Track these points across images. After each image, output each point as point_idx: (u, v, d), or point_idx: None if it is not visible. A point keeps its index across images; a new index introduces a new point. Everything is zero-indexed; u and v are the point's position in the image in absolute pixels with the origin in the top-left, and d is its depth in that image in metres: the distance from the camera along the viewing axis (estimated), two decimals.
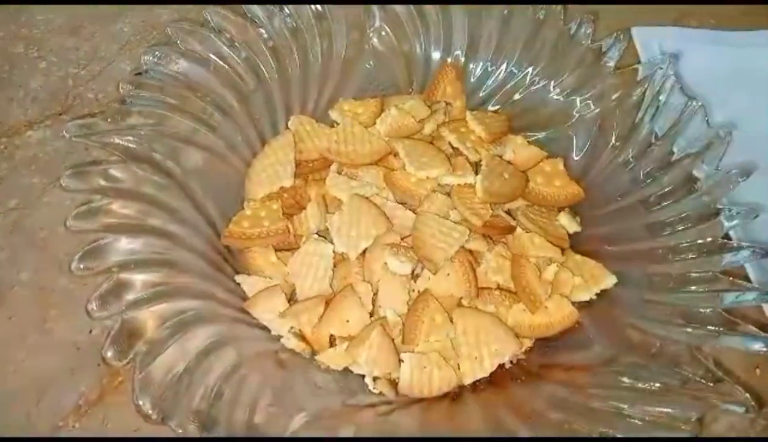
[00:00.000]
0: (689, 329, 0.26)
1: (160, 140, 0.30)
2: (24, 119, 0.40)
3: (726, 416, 0.30)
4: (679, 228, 0.30)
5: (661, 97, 0.32)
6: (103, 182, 0.27)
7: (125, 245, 0.26)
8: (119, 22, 0.45)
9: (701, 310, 0.27)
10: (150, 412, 0.22)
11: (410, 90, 0.38)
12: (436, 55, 0.38)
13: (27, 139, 0.39)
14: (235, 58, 0.34)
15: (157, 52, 0.31)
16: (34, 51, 0.43)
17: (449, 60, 0.37)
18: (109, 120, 0.29)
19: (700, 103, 0.31)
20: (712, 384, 0.24)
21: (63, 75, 0.42)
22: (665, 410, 0.24)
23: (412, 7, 0.37)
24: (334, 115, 0.35)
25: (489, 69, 0.37)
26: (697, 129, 0.31)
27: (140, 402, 0.22)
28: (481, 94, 0.38)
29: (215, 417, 0.23)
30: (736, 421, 0.30)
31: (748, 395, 0.24)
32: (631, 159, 0.33)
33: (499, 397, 0.28)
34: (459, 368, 0.29)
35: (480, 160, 0.34)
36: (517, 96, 0.37)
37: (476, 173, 0.33)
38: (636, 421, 0.24)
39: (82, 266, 0.25)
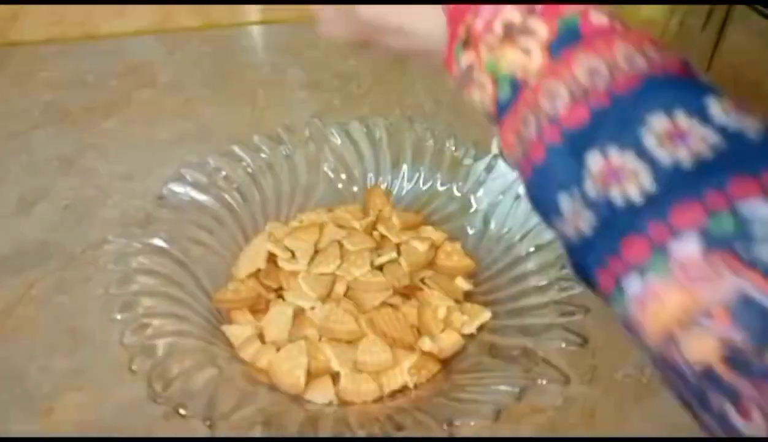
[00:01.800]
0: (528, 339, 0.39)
1: (176, 241, 0.45)
2: None
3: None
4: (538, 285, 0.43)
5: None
6: (135, 265, 0.42)
7: (148, 303, 0.40)
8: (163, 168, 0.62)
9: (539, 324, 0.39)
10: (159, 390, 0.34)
11: (354, 202, 0.53)
12: (371, 176, 0.53)
13: None
14: (228, 186, 0.49)
15: (171, 184, 0.47)
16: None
17: (380, 178, 0.53)
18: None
19: None
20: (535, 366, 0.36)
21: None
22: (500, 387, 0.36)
23: (352, 148, 0.53)
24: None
25: (408, 181, 0.53)
26: None
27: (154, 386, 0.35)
28: (404, 199, 0.53)
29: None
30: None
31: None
32: (509, 238, 0.47)
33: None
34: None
35: (401, 243, 0.48)
36: (430, 198, 0.52)
37: (398, 253, 0.47)
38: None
39: (119, 316, 0.39)
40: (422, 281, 0.47)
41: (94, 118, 0.67)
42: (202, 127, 0.65)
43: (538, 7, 0.24)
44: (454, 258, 0.48)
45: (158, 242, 0.44)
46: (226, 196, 0.49)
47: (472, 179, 0.51)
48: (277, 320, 0.43)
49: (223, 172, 0.50)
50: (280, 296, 0.45)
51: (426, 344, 0.41)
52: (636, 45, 0.23)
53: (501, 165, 0.50)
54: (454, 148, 0.52)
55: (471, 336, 0.43)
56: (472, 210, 0.50)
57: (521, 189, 0.47)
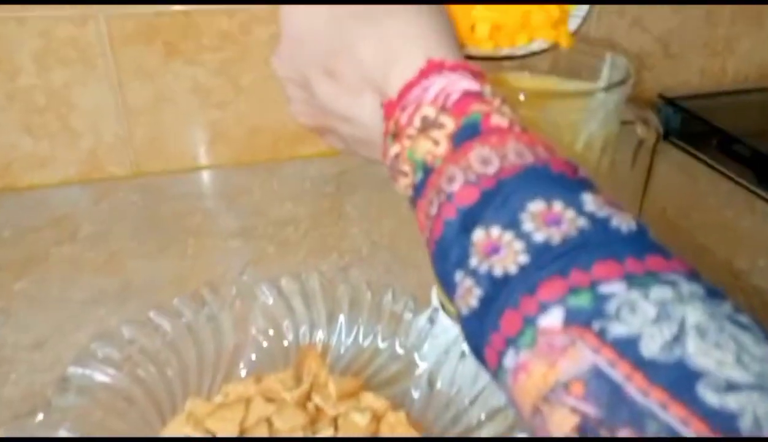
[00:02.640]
0: None
1: (81, 430, 0.39)
2: None
3: None
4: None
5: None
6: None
7: None
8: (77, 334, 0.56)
9: None
10: None
11: (286, 363, 0.48)
12: (304, 331, 0.49)
13: None
14: (144, 358, 0.44)
15: (77, 364, 0.42)
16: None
17: (315, 334, 0.48)
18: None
19: None
20: None
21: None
22: None
23: (283, 304, 0.49)
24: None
25: (346, 336, 0.48)
26: None
27: None
28: (343, 358, 0.48)
29: None
30: None
31: None
32: (458, 401, 0.43)
33: None
34: None
35: (338, 416, 0.43)
36: (371, 357, 0.48)
37: (336, 428, 0.42)
38: None
39: None
40: None
41: (5, 278, 0.61)
42: (124, 284, 0.60)
43: (450, 105, 0.28)
44: (399, 430, 0.43)
45: (62, 432, 0.38)
46: (141, 371, 0.44)
47: (414, 334, 0.47)
48: None
49: (139, 344, 0.45)
50: None
51: None
52: (527, 143, 0.26)
53: (442, 318, 0.46)
54: (392, 301, 0.48)
55: None
56: (418, 372, 0.46)
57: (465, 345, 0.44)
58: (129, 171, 0.77)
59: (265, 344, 0.49)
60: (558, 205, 0.24)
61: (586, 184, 0.25)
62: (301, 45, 0.34)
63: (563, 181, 0.25)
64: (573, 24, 0.40)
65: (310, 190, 0.76)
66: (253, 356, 0.48)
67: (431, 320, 0.47)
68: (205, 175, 0.79)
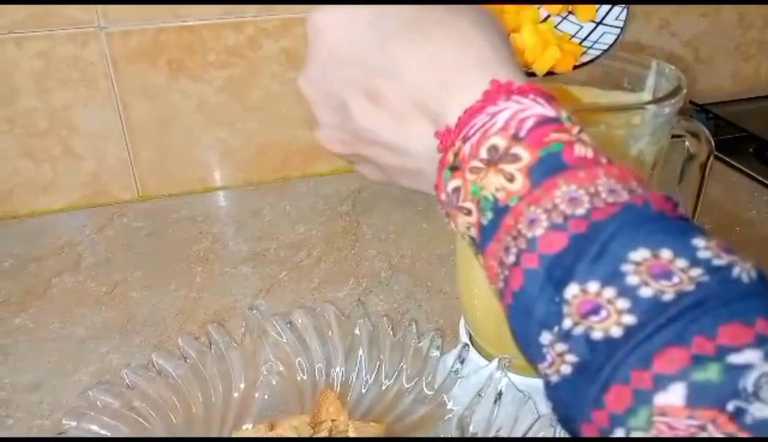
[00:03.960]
0: None
1: None
2: None
3: None
4: None
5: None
6: None
7: None
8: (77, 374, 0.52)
9: None
10: None
11: (302, 411, 0.44)
12: (320, 376, 0.44)
13: None
14: (145, 406, 0.40)
15: (73, 416, 0.38)
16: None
17: (333, 375, 0.44)
18: None
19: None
20: None
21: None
22: None
23: (296, 340, 0.45)
24: None
25: (367, 373, 0.44)
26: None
27: None
28: (364, 400, 0.44)
29: None
30: None
31: None
32: None
33: None
34: None
35: None
36: (395, 399, 0.43)
37: None
38: None
39: None
40: None
41: (5, 313, 0.58)
42: (128, 317, 0.57)
43: (524, 134, 0.24)
44: None
45: None
46: (143, 420, 0.40)
47: (442, 373, 0.43)
48: None
49: (140, 389, 0.41)
50: None
51: None
52: (618, 177, 0.23)
53: (473, 356, 0.42)
54: (416, 336, 0.44)
55: None
56: (447, 415, 0.41)
57: (503, 383, 0.40)
58: (134, 195, 0.74)
59: (277, 383, 0.44)
60: (666, 253, 0.21)
61: (692, 225, 0.22)
62: (336, 63, 0.29)
63: (666, 222, 0.22)
64: (610, 35, 0.36)
65: (324, 210, 0.72)
66: (266, 396, 0.44)
67: (461, 358, 0.42)
68: (213, 198, 0.76)
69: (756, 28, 0.87)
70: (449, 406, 0.42)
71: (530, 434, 0.38)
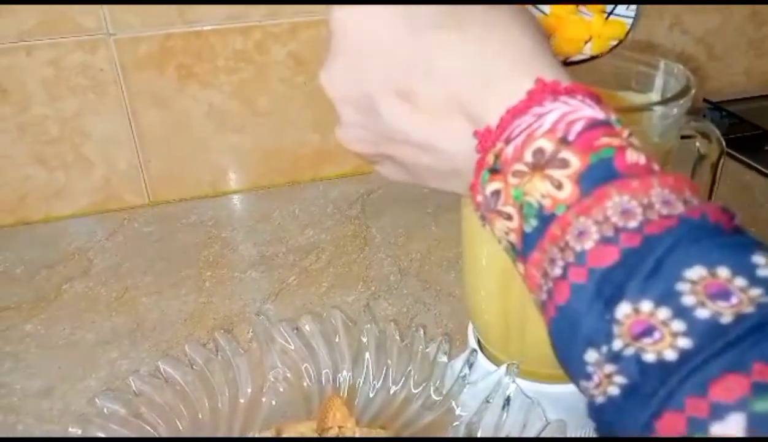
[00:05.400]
0: None
1: None
2: None
3: None
4: None
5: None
6: None
7: None
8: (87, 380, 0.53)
9: None
10: None
11: (309, 417, 0.44)
12: (327, 382, 0.44)
13: None
14: (152, 413, 0.40)
15: (79, 424, 0.38)
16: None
17: (340, 380, 0.44)
18: None
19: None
20: None
21: None
22: None
23: (302, 345, 0.44)
24: None
25: (374, 379, 0.44)
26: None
27: None
28: (372, 404, 0.44)
29: None
30: None
31: None
32: None
33: None
34: None
35: None
36: (403, 404, 0.43)
37: None
38: None
39: None
40: None
41: (16, 319, 0.59)
42: (137, 323, 0.57)
43: (573, 138, 0.22)
44: None
45: None
46: (150, 428, 0.40)
47: (450, 379, 0.42)
48: None
49: (147, 396, 0.41)
50: None
51: None
52: (673, 187, 0.22)
53: (482, 361, 0.41)
54: (424, 341, 0.44)
55: None
56: (456, 422, 0.41)
57: (511, 389, 0.39)
58: (144, 200, 0.74)
59: (284, 389, 0.44)
60: (724, 272, 0.19)
61: (751, 240, 0.21)
62: (362, 59, 0.27)
63: (724, 237, 0.21)
64: (619, 29, 0.35)
65: (333, 214, 0.72)
66: (273, 402, 0.44)
67: (469, 364, 0.42)
68: (223, 202, 0.76)
69: None
70: (457, 412, 0.41)
71: None
